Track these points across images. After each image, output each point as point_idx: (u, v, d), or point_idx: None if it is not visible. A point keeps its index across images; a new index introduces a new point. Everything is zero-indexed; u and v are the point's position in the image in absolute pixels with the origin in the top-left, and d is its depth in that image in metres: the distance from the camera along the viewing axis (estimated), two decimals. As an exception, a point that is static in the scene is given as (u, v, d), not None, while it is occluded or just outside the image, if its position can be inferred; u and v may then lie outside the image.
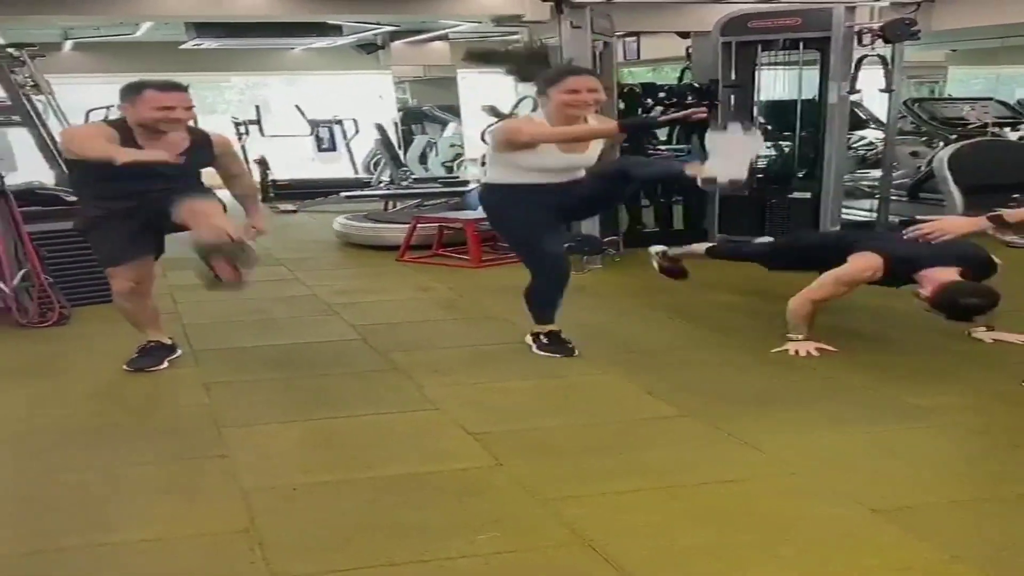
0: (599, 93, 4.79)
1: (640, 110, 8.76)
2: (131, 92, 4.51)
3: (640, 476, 3.49)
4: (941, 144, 11.21)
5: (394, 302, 6.61)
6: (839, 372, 4.74)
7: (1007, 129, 11.23)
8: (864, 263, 5.04)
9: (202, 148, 4.68)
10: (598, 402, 4.38)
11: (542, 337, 5.11)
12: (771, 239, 6.70)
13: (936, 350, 5.13)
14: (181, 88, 4.55)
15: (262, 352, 5.18)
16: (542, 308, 5.12)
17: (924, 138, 12.08)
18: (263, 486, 3.43)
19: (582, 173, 4.96)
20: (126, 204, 4.54)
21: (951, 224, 4.02)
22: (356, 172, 15.09)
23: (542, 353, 5.04)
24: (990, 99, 11.76)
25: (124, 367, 4.74)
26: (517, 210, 4.92)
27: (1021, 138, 11.76)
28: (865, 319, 5.72)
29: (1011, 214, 3.90)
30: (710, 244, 6.77)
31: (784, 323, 5.16)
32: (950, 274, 4.78)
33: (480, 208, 8.83)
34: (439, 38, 15.05)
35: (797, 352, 5.02)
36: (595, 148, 4.94)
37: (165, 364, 4.86)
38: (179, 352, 5.01)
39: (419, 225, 8.45)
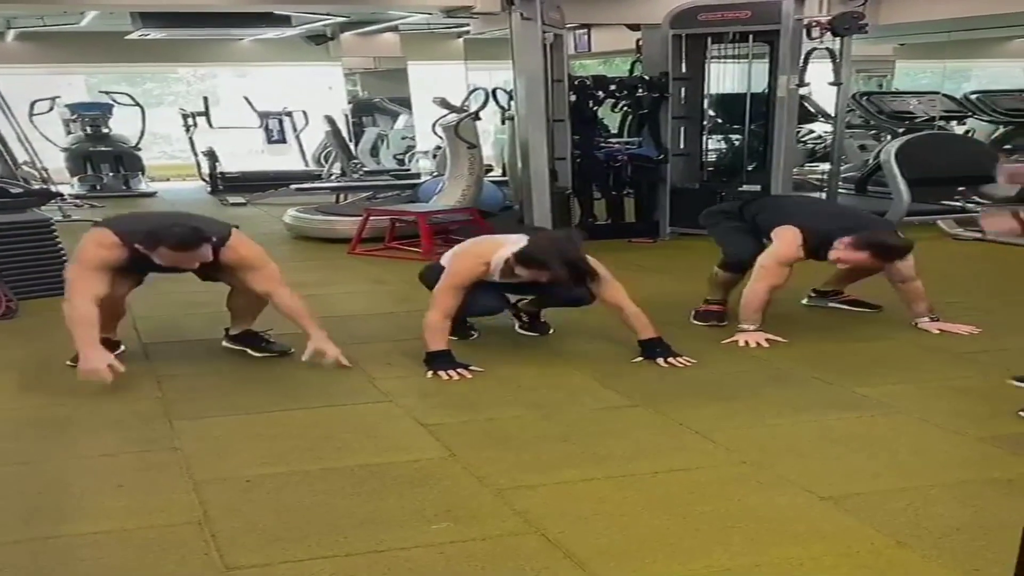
0: None
1: (591, 102, 8.84)
2: (146, 243, 4.54)
3: (592, 465, 3.53)
4: (888, 138, 11.41)
5: (347, 295, 6.62)
6: (788, 363, 4.83)
7: (953, 123, 11.46)
8: (788, 236, 5.21)
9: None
10: (550, 393, 4.42)
11: (523, 316, 5.41)
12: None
13: (883, 341, 5.24)
14: (195, 246, 4.55)
15: (213, 345, 5.15)
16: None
17: (872, 132, 12.29)
18: (215, 478, 3.43)
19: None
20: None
21: (995, 222, 3.96)
22: (306, 164, 15.03)
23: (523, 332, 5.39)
24: (936, 93, 11.96)
25: (69, 363, 4.70)
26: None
27: (966, 132, 12.00)
28: (813, 310, 5.81)
29: None
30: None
31: (731, 321, 5.24)
32: (859, 237, 5.12)
33: (432, 200, 8.92)
34: (389, 29, 14.99)
35: (747, 343, 5.09)
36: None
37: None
38: (122, 348, 4.98)
39: (371, 218, 8.43)
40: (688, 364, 4.76)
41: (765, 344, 5.09)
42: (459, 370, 4.60)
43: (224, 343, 5.10)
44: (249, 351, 5.00)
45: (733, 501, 3.24)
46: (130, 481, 3.44)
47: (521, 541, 2.94)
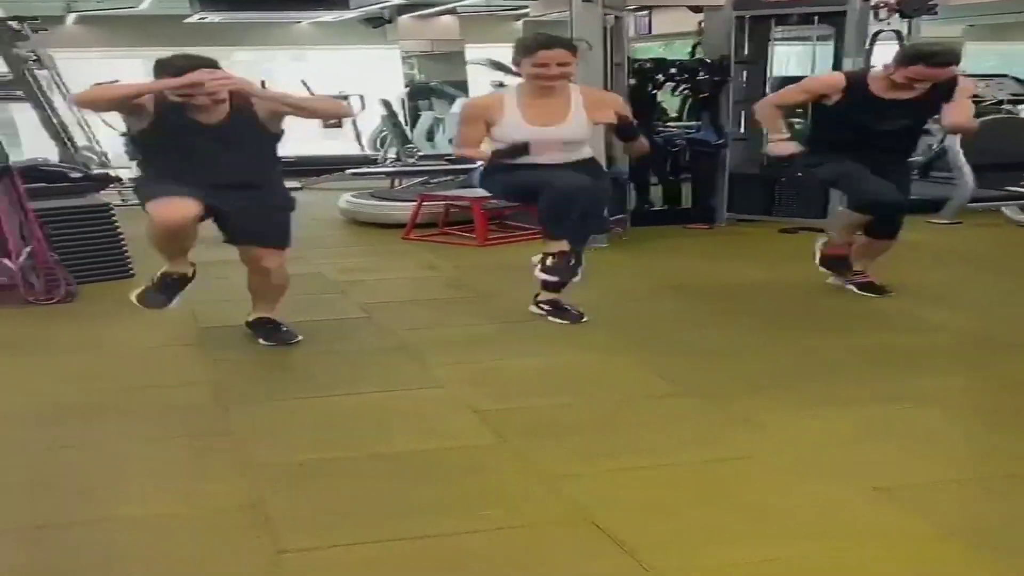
0: (569, 67, 4.83)
1: (651, 86, 8.83)
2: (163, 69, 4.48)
3: (641, 454, 3.57)
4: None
5: (400, 280, 6.70)
6: (838, 353, 4.81)
7: (1021, 106, 11.26)
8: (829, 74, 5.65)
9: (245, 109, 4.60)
10: (600, 381, 4.46)
11: (547, 260, 5.09)
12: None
13: (934, 332, 5.20)
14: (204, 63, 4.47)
15: (233, 334, 5.23)
16: (551, 224, 5.07)
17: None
18: (266, 463, 3.51)
19: (578, 154, 5.01)
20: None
21: None
22: (362, 148, 15.11)
23: (544, 278, 5.20)
24: (1005, 76, 11.78)
25: (131, 297, 4.82)
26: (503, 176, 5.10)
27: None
28: (866, 301, 5.79)
29: None
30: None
31: (782, 310, 5.24)
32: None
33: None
34: (447, 12, 15.04)
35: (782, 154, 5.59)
36: (576, 120, 4.96)
37: (176, 301, 4.89)
38: (191, 284, 4.97)
39: (425, 203, 8.50)
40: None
41: (791, 154, 5.57)
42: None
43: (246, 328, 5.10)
44: (261, 341, 4.99)
45: (781, 491, 3.26)
46: (182, 465, 3.55)
47: (571, 529, 2.99)
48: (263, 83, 14.68)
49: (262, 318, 5.03)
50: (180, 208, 4.40)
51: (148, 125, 4.53)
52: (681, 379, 4.42)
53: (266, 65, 17.25)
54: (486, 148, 5.03)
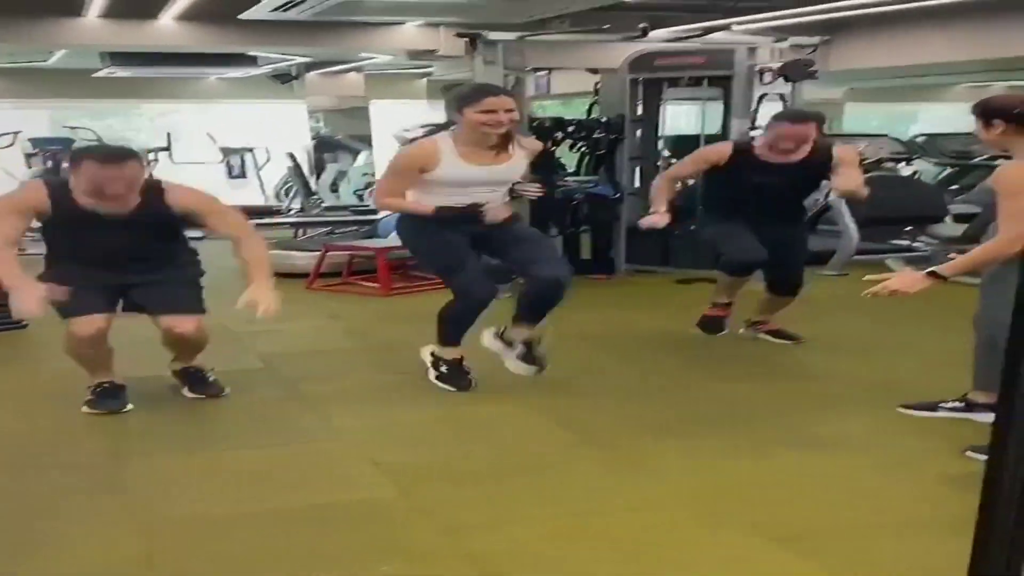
0: (515, 113, 4.74)
1: (551, 143, 8.83)
2: (72, 161, 4.32)
3: (543, 506, 3.45)
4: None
5: (302, 330, 6.50)
6: (741, 401, 4.77)
7: (900, 164, 11.55)
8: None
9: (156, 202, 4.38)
10: (502, 432, 4.33)
11: (442, 365, 4.91)
12: None
13: (831, 378, 5.21)
14: (123, 159, 4.24)
15: (164, 381, 5.01)
16: (451, 328, 4.90)
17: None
18: (163, 518, 3.32)
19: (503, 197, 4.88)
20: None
21: (901, 282, 4.04)
22: (266, 199, 14.91)
23: (439, 384, 4.91)
24: (884, 136, 12.09)
25: (85, 409, 4.50)
26: (431, 235, 4.81)
27: (912, 174, 12.11)
28: (757, 345, 5.79)
29: (945, 269, 3.93)
30: None
31: (681, 359, 5.21)
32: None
33: (391, 235, 8.84)
34: (354, 69, 14.99)
35: (653, 225, 5.65)
36: (518, 156, 4.82)
37: (130, 405, 4.55)
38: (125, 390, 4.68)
39: (329, 252, 8.34)
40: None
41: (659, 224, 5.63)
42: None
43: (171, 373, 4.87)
44: (185, 392, 4.77)
45: (685, 541, 3.17)
46: (75, 523, 3.32)
47: (471, 583, 2.86)
48: (168, 136, 14.50)
49: (188, 368, 4.80)
50: (93, 322, 4.29)
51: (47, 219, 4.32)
52: (583, 428, 4.32)
53: (172, 116, 16.95)
54: (414, 198, 4.79)
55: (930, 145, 11.79)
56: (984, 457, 3.65)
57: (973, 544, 1.44)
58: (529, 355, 4.92)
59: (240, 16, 7.64)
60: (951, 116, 16.96)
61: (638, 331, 5.97)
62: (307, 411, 4.58)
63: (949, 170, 12.20)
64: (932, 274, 3.92)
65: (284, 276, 8.38)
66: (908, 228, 8.95)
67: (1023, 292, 1.35)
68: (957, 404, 4.39)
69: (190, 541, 3.14)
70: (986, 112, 3.89)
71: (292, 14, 7.12)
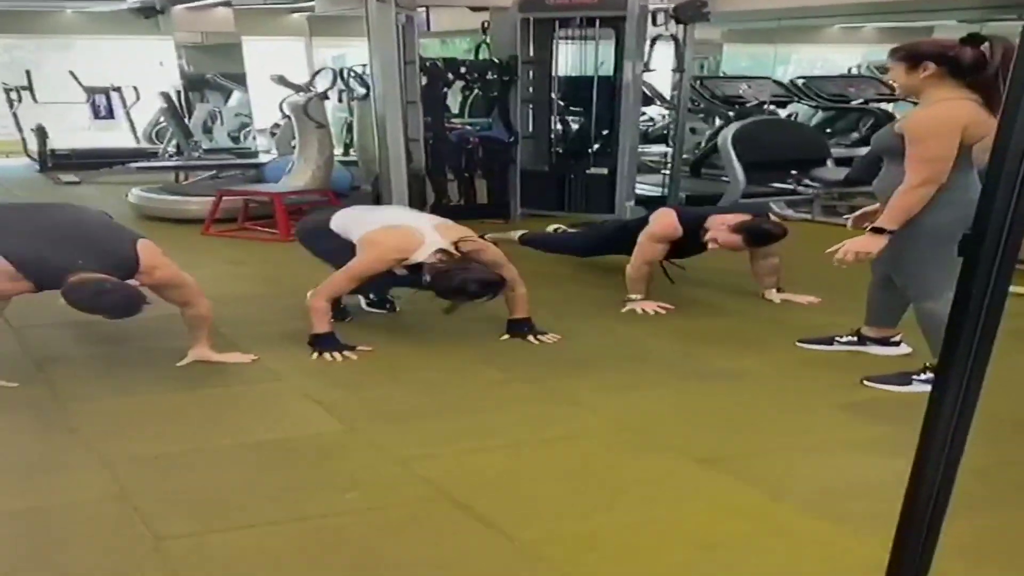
0: None
1: (443, 85, 9.08)
2: (79, 306, 4.20)
3: (485, 437, 3.82)
4: (718, 121, 12.01)
5: (210, 277, 6.63)
6: (648, 339, 5.22)
7: (777, 107, 12.12)
8: (663, 218, 5.85)
9: None
10: (434, 372, 4.67)
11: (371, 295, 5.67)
12: (573, 231, 7.25)
13: (734, 316, 5.71)
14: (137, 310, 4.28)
15: (85, 328, 5.17)
16: None
17: (701, 115, 12.87)
18: (122, 456, 3.57)
19: None
20: None
21: (857, 244, 4.23)
22: (138, 141, 14.76)
23: (369, 309, 5.69)
24: (767, 79, 12.63)
25: None
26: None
27: (788, 116, 12.70)
28: (685, 288, 6.22)
29: (884, 222, 4.13)
30: (522, 232, 7.21)
31: (591, 300, 5.69)
32: (740, 217, 5.66)
33: (280, 180, 9.02)
34: (222, 3, 14.80)
35: (644, 310, 5.68)
36: None
37: None
38: None
39: (224, 198, 8.46)
40: (554, 340, 5.09)
41: (660, 311, 5.67)
42: (345, 352, 4.80)
43: None
44: None
45: (617, 464, 3.58)
46: (35, 461, 3.55)
47: (434, 506, 3.21)
48: (28, 74, 14.14)
49: None
50: None
51: None
52: (511, 367, 4.70)
53: (31, 53, 16.49)
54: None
55: (809, 87, 12.34)
56: (879, 386, 4.19)
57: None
58: (378, 302, 5.71)
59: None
60: (824, 58, 17.77)
61: (539, 274, 6.30)
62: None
63: (823, 113, 12.82)
64: (877, 230, 4.16)
65: (176, 222, 8.57)
66: (792, 172, 9.50)
67: (962, 289, 1.45)
68: (851, 338, 4.90)
69: (155, 478, 3.40)
70: (915, 55, 4.07)
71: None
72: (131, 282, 4.37)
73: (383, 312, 5.69)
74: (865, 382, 4.41)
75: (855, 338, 4.89)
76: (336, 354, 4.75)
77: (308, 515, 3.12)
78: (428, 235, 4.89)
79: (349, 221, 5.17)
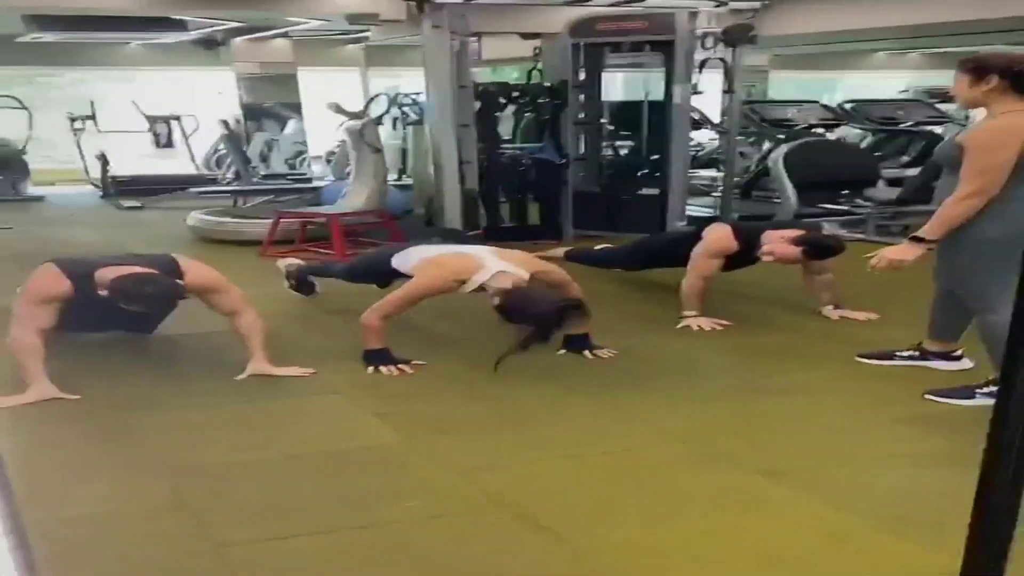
0: None
1: (495, 109, 9.06)
2: (120, 299, 4.30)
3: (543, 449, 3.74)
4: (767, 144, 11.88)
5: (268, 296, 6.64)
6: (706, 353, 5.12)
7: (826, 131, 11.99)
8: (718, 233, 5.71)
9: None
10: (489, 385, 4.56)
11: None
12: (613, 247, 7.17)
13: (792, 332, 5.57)
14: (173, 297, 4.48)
15: (141, 345, 5.17)
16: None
17: (751, 140, 12.77)
18: (183, 465, 3.53)
19: None
20: None
21: (892, 252, 4.26)
22: (197, 168, 14.87)
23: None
24: (815, 103, 12.51)
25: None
26: None
27: (838, 139, 12.56)
28: (739, 304, 6.10)
29: (924, 232, 4.12)
30: (568, 248, 7.15)
31: (648, 315, 5.60)
32: (794, 233, 5.52)
33: (338, 201, 9.03)
34: (280, 35, 14.96)
35: (700, 327, 5.53)
36: None
37: None
38: None
39: (282, 220, 8.46)
40: (610, 356, 4.98)
41: (716, 327, 5.54)
42: (400, 366, 4.73)
43: None
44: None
45: (677, 475, 3.49)
46: (96, 468, 3.51)
47: (494, 515, 3.13)
48: (92, 104, 14.30)
49: None
50: None
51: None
52: (563, 381, 4.61)
53: (97, 84, 16.71)
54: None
55: (857, 111, 12.21)
56: (942, 399, 4.06)
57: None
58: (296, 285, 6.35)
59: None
60: (870, 84, 17.58)
61: (588, 291, 6.20)
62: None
63: (874, 136, 12.67)
64: (915, 239, 4.15)
65: (234, 244, 8.58)
66: (844, 192, 9.36)
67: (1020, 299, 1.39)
68: (912, 353, 4.77)
69: (215, 486, 3.35)
70: (983, 67, 4.00)
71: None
72: None
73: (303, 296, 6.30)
74: (927, 396, 4.27)
75: (916, 352, 4.75)
76: (392, 368, 4.69)
77: (368, 523, 3.04)
78: (487, 259, 4.80)
79: (408, 256, 5.09)
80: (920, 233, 4.15)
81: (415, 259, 4.97)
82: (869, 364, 4.82)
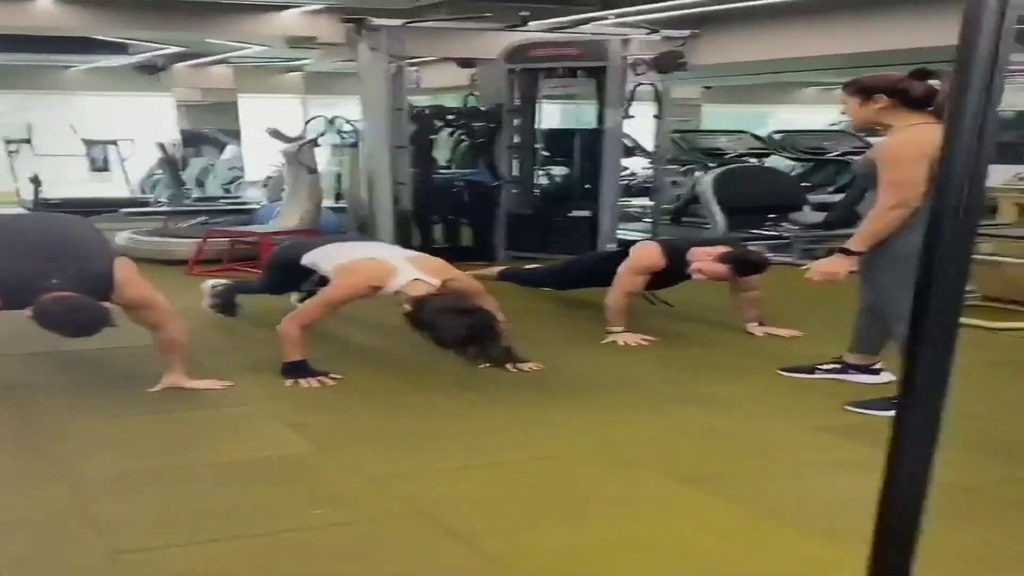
0: None
1: (430, 131, 8.97)
2: (37, 319, 3.99)
3: (463, 455, 3.59)
4: (700, 173, 11.90)
5: (190, 311, 6.42)
6: (631, 367, 5.00)
7: (757, 160, 12.04)
8: (645, 251, 5.59)
9: None
10: (408, 395, 4.44)
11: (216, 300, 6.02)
12: (544, 267, 7.05)
13: (716, 347, 5.49)
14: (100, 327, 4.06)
15: (59, 357, 4.94)
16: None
17: (683, 169, 12.78)
18: (86, 473, 3.34)
19: None
20: None
21: (824, 264, 4.25)
22: (131, 192, 14.60)
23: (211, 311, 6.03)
24: (744, 132, 12.58)
25: None
26: None
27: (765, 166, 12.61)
28: (664, 320, 6.00)
29: (852, 244, 4.10)
30: (501, 268, 7.02)
31: (571, 330, 5.56)
32: (721, 250, 5.41)
33: (271, 222, 8.85)
34: (220, 61, 14.80)
35: (626, 343, 5.41)
36: None
37: None
38: None
39: (210, 239, 8.26)
40: (534, 369, 4.85)
41: (643, 343, 5.42)
42: (319, 378, 4.56)
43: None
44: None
45: (595, 482, 3.36)
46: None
47: (404, 522, 2.98)
48: (29, 127, 14.01)
49: None
50: None
51: None
52: (484, 389, 4.47)
53: (35, 108, 16.36)
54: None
55: (786, 141, 12.29)
56: (862, 411, 3.98)
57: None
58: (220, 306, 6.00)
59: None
60: (800, 119, 17.74)
61: (521, 310, 6.10)
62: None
63: (803, 166, 12.74)
64: (844, 251, 4.14)
65: (162, 263, 8.33)
66: (771, 216, 9.36)
67: (922, 281, 1.45)
68: (833, 366, 4.69)
69: (117, 495, 3.16)
70: (867, 88, 4.08)
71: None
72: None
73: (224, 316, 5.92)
74: (847, 407, 4.19)
75: (837, 365, 4.68)
76: (311, 380, 4.52)
77: (272, 530, 2.87)
78: (401, 265, 4.67)
79: (320, 256, 4.97)
80: (847, 245, 4.14)
81: (334, 261, 4.81)
82: (791, 377, 4.74)
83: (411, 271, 4.62)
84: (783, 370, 4.80)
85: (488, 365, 4.67)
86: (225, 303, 6.03)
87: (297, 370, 4.55)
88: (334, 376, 4.58)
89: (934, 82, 4.00)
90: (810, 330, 5.69)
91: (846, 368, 4.65)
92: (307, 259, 4.99)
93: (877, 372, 4.60)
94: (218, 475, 3.35)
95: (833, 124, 15.94)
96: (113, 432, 3.83)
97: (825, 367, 4.71)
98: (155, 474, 3.34)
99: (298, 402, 4.30)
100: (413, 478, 3.34)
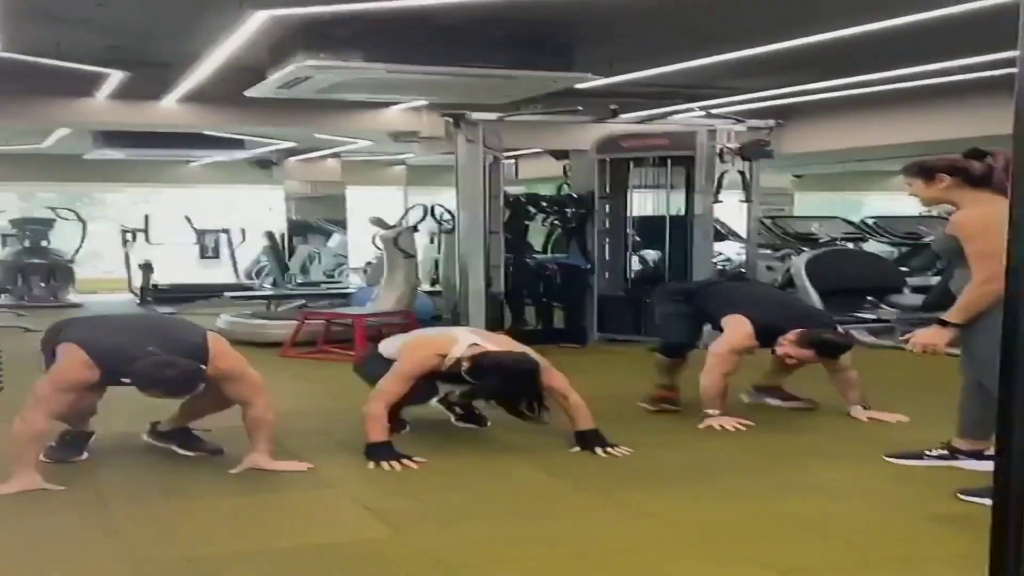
0: None
1: (525, 217, 8.85)
2: (135, 381, 3.96)
3: (544, 545, 3.29)
4: (794, 256, 11.51)
5: (282, 393, 6.23)
6: (728, 452, 4.65)
7: (850, 244, 11.61)
8: (739, 327, 5.17)
9: None
10: (494, 480, 4.16)
11: (457, 409, 5.18)
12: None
13: (819, 431, 5.10)
14: (192, 388, 4.04)
15: (136, 438, 4.77)
16: None
17: (778, 255, 12.39)
18: (153, 557, 3.12)
19: None
20: None
21: (923, 335, 4.01)
22: (238, 277, 14.72)
23: (459, 424, 5.15)
24: (835, 218, 12.19)
25: (42, 458, 4.13)
26: None
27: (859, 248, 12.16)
28: (751, 405, 5.63)
29: (949, 316, 3.91)
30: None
31: (661, 416, 5.30)
32: (800, 334, 5.08)
33: (367, 304, 8.74)
34: (331, 155, 15.02)
35: (722, 426, 5.04)
36: None
37: (85, 454, 4.42)
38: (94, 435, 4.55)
39: (307, 321, 8.12)
40: (625, 454, 4.52)
41: (740, 427, 5.04)
42: (402, 460, 4.30)
43: (146, 437, 4.64)
44: (176, 449, 4.52)
45: (689, 574, 3.00)
46: (66, 565, 3.09)
47: (478, 616, 2.67)
48: (146, 218, 14.27)
49: (181, 428, 4.61)
50: None
51: None
52: (573, 477, 4.16)
53: (151, 202, 16.73)
54: None
55: (880, 226, 11.86)
56: (976, 499, 3.58)
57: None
58: (468, 416, 5.15)
59: (246, 92, 7.59)
60: (894, 205, 17.19)
61: (618, 392, 5.79)
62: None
63: (897, 251, 12.27)
64: (941, 322, 3.93)
65: (259, 345, 8.22)
66: (869, 298, 8.94)
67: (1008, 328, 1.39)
68: (941, 452, 4.28)
69: (186, 580, 2.92)
70: (928, 170, 3.99)
71: (294, 92, 7.17)
72: None
73: (474, 427, 5.11)
74: (960, 495, 3.77)
75: (946, 451, 4.26)
76: (393, 463, 4.26)
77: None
78: (462, 335, 4.68)
79: (393, 342, 4.91)
80: (945, 316, 3.90)
81: (398, 343, 4.81)
82: (898, 464, 4.32)
83: (471, 338, 4.61)
84: (890, 456, 4.39)
85: (579, 449, 4.47)
86: (467, 412, 5.22)
87: (380, 452, 4.31)
88: (418, 460, 4.31)
89: (988, 160, 3.91)
90: (914, 413, 5.27)
91: (955, 454, 4.23)
92: (383, 348, 4.93)
93: (990, 458, 4.16)
94: (289, 560, 3.11)
95: (928, 210, 15.41)
96: (187, 514, 3.63)
97: (933, 453, 4.29)
98: (221, 559, 3.10)
99: (379, 486, 4.05)
100: (487, 568, 3.04)
